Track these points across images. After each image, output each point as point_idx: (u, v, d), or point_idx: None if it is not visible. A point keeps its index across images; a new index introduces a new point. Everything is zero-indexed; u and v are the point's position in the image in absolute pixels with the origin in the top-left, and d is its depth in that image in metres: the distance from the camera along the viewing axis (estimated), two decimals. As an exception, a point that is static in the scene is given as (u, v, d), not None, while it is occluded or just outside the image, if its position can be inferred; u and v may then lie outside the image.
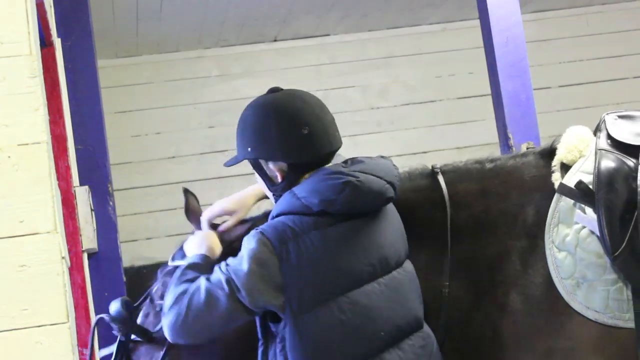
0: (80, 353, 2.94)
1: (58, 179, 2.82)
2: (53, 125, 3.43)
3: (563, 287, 2.54)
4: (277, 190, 2.64)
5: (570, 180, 2.60)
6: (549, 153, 2.75)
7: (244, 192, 2.87)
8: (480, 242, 2.70)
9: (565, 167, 2.66)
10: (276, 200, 2.65)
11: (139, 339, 2.74)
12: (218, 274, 2.50)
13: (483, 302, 2.66)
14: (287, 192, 2.58)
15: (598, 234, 2.51)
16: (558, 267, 2.56)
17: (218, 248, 2.75)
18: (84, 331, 3.29)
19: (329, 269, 2.49)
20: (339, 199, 2.50)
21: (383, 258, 2.56)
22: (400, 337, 2.52)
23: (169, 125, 6.80)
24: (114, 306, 2.72)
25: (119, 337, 2.74)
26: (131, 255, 6.17)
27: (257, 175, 2.70)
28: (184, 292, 2.51)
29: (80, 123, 3.80)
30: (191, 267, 2.61)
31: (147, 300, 2.82)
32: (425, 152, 7.05)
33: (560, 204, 2.60)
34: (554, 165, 2.68)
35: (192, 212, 2.93)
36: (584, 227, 2.55)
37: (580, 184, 2.56)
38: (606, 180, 2.54)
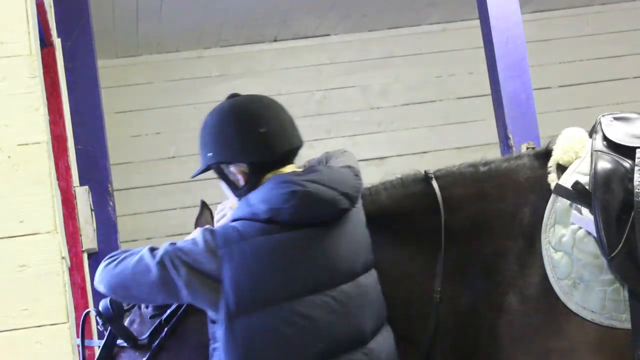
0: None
1: (58, 179, 2.83)
2: (53, 125, 3.43)
3: (560, 287, 2.54)
4: (241, 194, 2.65)
5: (567, 180, 2.61)
6: (544, 155, 2.75)
7: None
8: (477, 243, 2.71)
9: (561, 168, 2.67)
10: None
11: (124, 343, 2.75)
12: (162, 250, 2.54)
13: (480, 303, 2.67)
14: (243, 198, 2.60)
15: (595, 234, 2.51)
16: (555, 268, 2.56)
17: None
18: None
19: (270, 275, 2.47)
20: (285, 208, 2.50)
21: (332, 270, 2.52)
22: (338, 352, 2.49)
23: (169, 125, 6.80)
24: (103, 303, 2.74)
25: (104, 338, 2.75)
26: (131, 255, 6.18)
27: (221, 183, 2.72)
28: (130, 252, 2.59)
29: (80, 123, 3.81)
30: None
31: (136, 307, 2.83)
32: (425, 152, 7.05)
33: (557, 205, 2.61)
34: (550, 166, 2.69)
35: (202, 225, 2.93)
36: (580, 227, 2.56)
37: (577, 184, 2.57)
38: (602, 181, 2.54)
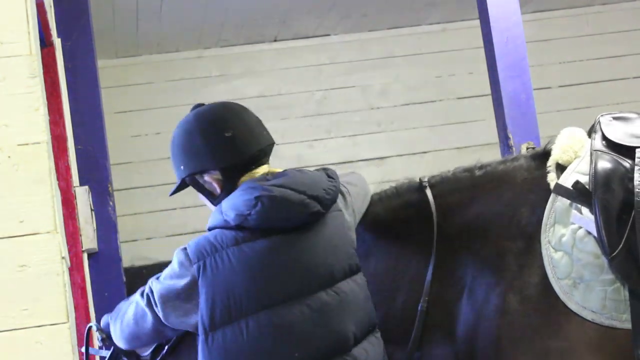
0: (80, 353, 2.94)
1: (58, 179, 2.83)
2: (53, 125, 3.43)
3: (560, 287, 2.54)
4: (219, 202, 2.62)
5: (567, 180, 2.61)
6: (542, 155, 2.76)
7: None
8: (475, 245, 2.71)
9: (560, 168, 2.67)
10: None
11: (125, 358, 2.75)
12: (147, 288, 2.55)
13: (479, 305, 2.66)
14: (217, 206, 2.59)
15: (595, 234, 2.51)
16: (554, 268, 2.56)
17: None
18: (84, 331, 3.29)
19: (241, 287, 2.44)
20: (252, 213, 2.47)
21: (307, 277, 2.48)
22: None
23: (169, 125, 6.72)
24: (105, 319, 2.73)
25: (108, 355, 2.74)
26: (131, 255, 6.18)
27: (199, 195, 2.71)
28: (129, 302, 2.60)
29: (80, 123, 3.81)
30: None
31: None
32: (425, 152, 7.05)
33: (556, 204, 2.61)
34: (549, 166, 2.69)
35: None
36: (580, 227, 2.56)
37: (577, 184, 2.57)
38: (602, 181, 2.54)
